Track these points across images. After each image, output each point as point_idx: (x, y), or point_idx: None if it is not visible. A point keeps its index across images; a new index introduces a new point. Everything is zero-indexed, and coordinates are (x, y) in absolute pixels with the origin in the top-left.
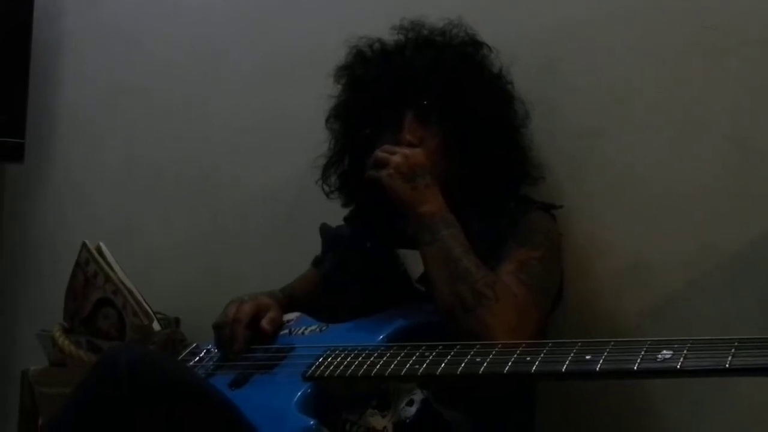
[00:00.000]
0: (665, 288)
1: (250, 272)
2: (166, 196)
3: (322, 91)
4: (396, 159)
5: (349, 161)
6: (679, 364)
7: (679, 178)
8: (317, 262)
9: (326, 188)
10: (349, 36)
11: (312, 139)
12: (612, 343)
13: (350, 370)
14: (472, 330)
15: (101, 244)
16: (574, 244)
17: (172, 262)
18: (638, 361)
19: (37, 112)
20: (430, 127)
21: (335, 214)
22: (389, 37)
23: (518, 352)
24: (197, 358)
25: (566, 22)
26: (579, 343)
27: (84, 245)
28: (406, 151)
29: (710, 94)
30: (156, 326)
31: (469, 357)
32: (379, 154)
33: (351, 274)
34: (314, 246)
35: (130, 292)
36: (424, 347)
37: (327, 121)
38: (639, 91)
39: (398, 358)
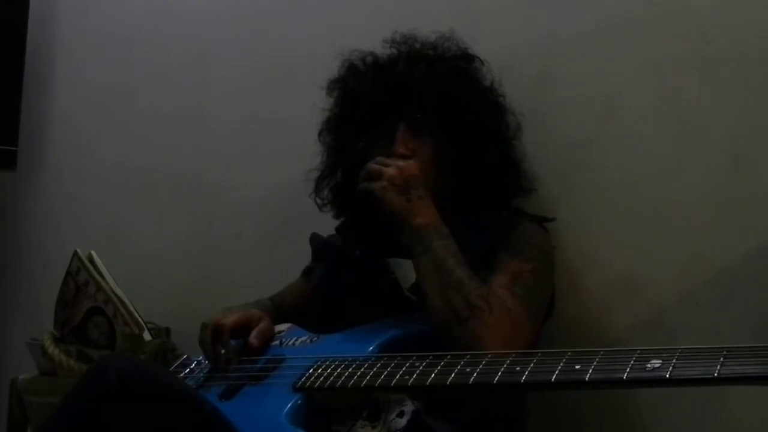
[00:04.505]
0: (657, 300)
1: (243, 278)
2: (158, 203)
3: (315, 98)
4: (389, 171)
5: (342, 174)
6: (669, 373)
7: (671, 190)
8: (307, 273)
9: (319, 201)
10: (342, 43)
11: (305, 145)
12: (601, 352)
13: (340, 381)
14: (465, 341)
15: (93, 252)
16: (565, 256)
17: (164, 268)
18: (627, 370)
19: (29, 118)
20: (423, 139)
21: (328, 220)
22: (382, 50)
23: (508, 362)
24: (188, 369)
25: (558, 34)
26: (568, 353)
27: (75, 254)
28: (400, 163)
29: (704, 105)
30: (147, 336)
31: (459, 367)
32: (373, 166)
33: (341, 283)
34: (307, 252)
35: (121, 302)
36: (414, 357)
37: (320, 134)
38: (631, 103)
39: (388, 369)
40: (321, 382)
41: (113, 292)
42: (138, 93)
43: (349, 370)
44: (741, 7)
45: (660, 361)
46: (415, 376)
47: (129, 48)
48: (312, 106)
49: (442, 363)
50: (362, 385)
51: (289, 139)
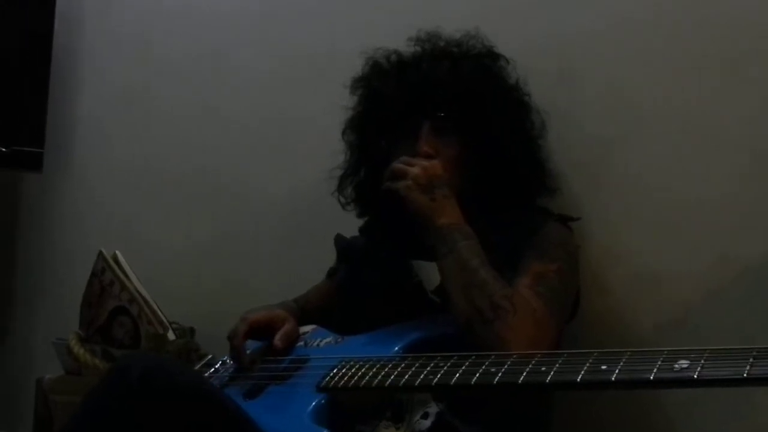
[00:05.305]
0: (682, 300)
1: (265, 280)
2: (182, 205)
3: (335, 98)
4: (414, 170)
5: (366, 173)
6: (697, 373)
7: (696, 188)
8: (331, 274)
9: (342, 199)
10: (362, 42)
11: (327, 145)
12: (628, 353)
13: (364, 381)
14: (490, 342)
15: (117, 252)
16: (590, 255)
17: (188, 270)
18: (655, 371)
19: (55, 121)
20: (447, 138)
21: (350, 221)
22: (406, 48)
23: (533, 362)
24: (213, 369)
25: (583, 32)
26: (594, 354)
27: (100, 254)
28: (424, 162)
29: (728, 103)
30: (171, 335)
31: (483, 367)
32: (397, 165)
33: (366, 284)
34: (329, 254)
35: (146, 301)
36: (438, 358)
37: (343, 132)
38: (656, 101)
39: (413, 369)
40: (345, 381)
41: (138, 291)
42: (161, 95)
43: (373, 370)
44: (763, 4)
45: (688, 362)
46: (439, 376)
47: (153, 50)
48: (330, 106)
49: (466, 363)
50: (386, 384)
51: (312, 139)
